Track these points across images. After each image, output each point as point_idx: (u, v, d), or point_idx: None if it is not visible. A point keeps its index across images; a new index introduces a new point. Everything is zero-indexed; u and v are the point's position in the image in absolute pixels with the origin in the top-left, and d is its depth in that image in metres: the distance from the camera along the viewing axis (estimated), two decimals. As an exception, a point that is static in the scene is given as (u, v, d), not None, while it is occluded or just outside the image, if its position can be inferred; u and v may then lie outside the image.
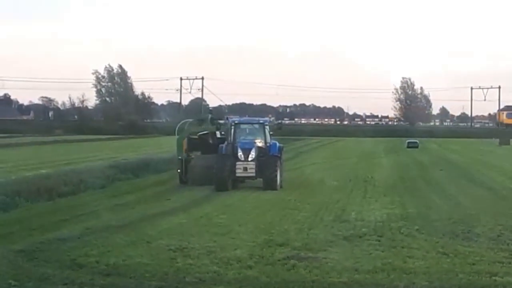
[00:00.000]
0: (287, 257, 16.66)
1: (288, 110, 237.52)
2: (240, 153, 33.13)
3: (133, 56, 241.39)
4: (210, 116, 38.63)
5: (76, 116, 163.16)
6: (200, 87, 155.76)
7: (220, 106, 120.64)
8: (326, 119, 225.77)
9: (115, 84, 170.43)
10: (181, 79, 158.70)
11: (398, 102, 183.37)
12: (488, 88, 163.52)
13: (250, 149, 33.24)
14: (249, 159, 33.05)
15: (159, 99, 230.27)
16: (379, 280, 14.60)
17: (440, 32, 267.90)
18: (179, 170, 36.06)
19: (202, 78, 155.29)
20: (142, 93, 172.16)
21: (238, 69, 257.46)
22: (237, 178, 33.44)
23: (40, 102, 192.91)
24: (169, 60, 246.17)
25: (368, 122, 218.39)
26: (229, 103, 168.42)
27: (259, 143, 34.11)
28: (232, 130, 34.45)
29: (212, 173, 32.42)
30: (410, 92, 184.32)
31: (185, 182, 35.16)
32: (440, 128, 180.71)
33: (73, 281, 14.47)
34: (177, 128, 38.16)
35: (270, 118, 47.81)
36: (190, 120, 40.07)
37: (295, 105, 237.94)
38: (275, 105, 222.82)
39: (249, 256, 16.79)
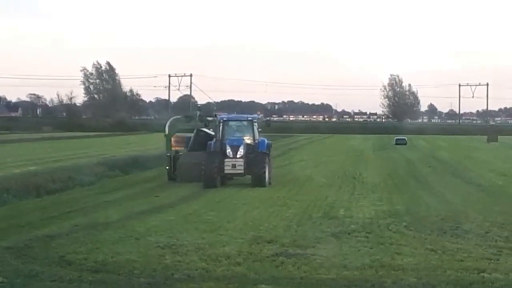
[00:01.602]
0: (276, 253, 16.67)
1: (276, 107, 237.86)
2: (228, 150, 33.15)
3: (121, 53, 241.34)
4: (198, 113, 38.65)
5: (64, 113, 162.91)
6: (189, 84, 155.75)
7: (208, 103, 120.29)
8: (314, 116, 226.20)
9: (103, 81, 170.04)
10: (169, 76, 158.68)
11: (386, 99, 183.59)
12: (476, 85, 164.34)
13: (239, 146, 33.27)
14: (238, 156, 33.09)
15: (148, 96, 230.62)
16: (368, 277, 14.61)
17: (428, 29, 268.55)
18: (167, 167, 36.12)
19: (191, 75, 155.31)
20: (131, 90, 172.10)
21: (227, 66, 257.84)
22: (226, 175, 33.48)
23: (28, 99, 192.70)
24: (158, 57, 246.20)
25: (357, 119, 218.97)
26: (218, 100, 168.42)
27: (248, 140, 34.15)
28: (221, 127, 34.48)
29: (201, 170, 32.42)
30: (398, 89, 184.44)
31: (173, 179, 35.20)
32: (428, 125, 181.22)
33: (62, 278, 14.44)
34: (167, 125, 38.15)
35: (258, 115, 47.58)
36: (179, 116, 40.05)
37: (283, 102, 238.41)
38: (263, 102, 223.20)
39: (238, 252, 16.80)
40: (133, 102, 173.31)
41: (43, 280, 14.32)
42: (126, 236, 19.12)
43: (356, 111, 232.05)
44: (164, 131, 37.72)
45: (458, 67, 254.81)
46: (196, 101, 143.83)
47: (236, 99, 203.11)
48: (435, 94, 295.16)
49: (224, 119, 35.58)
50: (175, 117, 40.09)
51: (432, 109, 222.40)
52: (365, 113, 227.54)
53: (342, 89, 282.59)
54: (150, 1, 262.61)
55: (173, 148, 36.81)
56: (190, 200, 28.10)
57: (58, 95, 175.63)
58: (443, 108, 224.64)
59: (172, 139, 37.05)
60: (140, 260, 15.96)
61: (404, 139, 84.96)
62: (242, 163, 33.02)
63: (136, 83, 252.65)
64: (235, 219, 22.31)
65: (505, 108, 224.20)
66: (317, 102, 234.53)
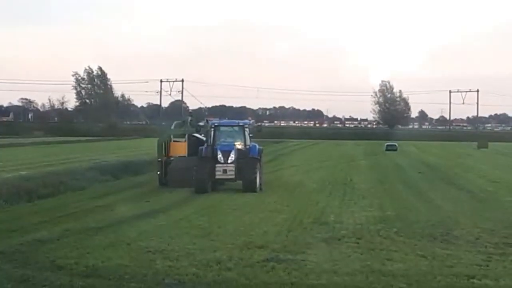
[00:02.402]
0: (266, 259, 16.67)
1: (267, 112, 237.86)
2: (219, 155, 33.16)
3: (113, 58, 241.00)
4: (190, 118, 38.72)
5: (56, 118, 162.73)
6: (180, 89, 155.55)
7: (200, 108, 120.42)
8: (305, 122, 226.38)
9: (95, 86, 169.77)
10: (161, 81, 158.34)
11: (377, 105, 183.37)
12: (466, 92, 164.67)
13: (230, 151, 33.28)
14: (229, 161, 33.10)
15: (139, 101, 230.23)
16: (358, 283, 14.63)
17: (419, 35, 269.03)
18: (158, 172, 36.12)
19: (182, 81, 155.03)
20: (122, 95, 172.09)
21: (218, 71, 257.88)
22: (217, 180, 33.47)
23: (20, 104, 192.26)
24: (149, 62, 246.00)
25: (348, 125, 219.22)
26: (209, 105, 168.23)
27: (239, 145, 34.16)
28: (212, 132, 34.49)
29: (192, 175, 32.42)
30: (389, 95, 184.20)
31: (165, 184, 35.18)
32: (419, 131, 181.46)
33: (53, 282, 14.41)
34: (172, 127, 38.35)
35: (250, 120, 47.86)
36: (180, 121, 40.07)
37: (274, 107, 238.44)
38: (255, 107, 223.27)
39: (229, 258, 16.80)
40: (125, 107, 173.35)
41: (34, 285, 14.29)
42: (117, 241, 19.11)
43: (347, 117, 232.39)
44: (157, 136, 37.98)
45: (448, 73, 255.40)
46: (188, 107, 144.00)
47: (227, 104, 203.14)
48: (426, 100, 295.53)
49: (215, 124, 35.61)
50: (177, 121, 40.15)
51: (422, 115, 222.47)
52: (356, 119, 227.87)
53: (333, 95, 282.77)
54: (141, 5, 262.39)
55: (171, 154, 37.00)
56: (181, 205, 28.11)
57: (49, 99, 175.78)
58: (433, 114, 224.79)
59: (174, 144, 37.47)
60: (131, 265, 15.95)
61: (395, 145, 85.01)
62: (233, 169, 33.03)
63: (127, 88, 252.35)
64: (226, 225, 22.32)
65: (495, 114, 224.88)
66: (308, 108, 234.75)
